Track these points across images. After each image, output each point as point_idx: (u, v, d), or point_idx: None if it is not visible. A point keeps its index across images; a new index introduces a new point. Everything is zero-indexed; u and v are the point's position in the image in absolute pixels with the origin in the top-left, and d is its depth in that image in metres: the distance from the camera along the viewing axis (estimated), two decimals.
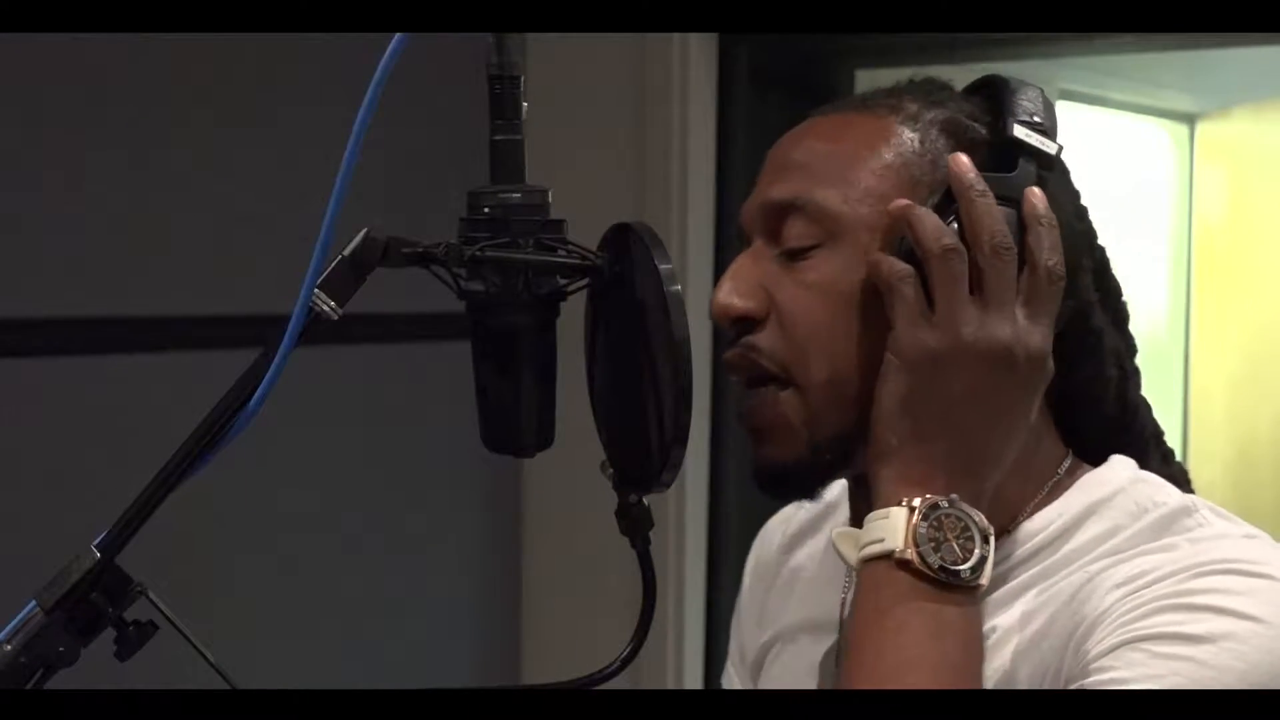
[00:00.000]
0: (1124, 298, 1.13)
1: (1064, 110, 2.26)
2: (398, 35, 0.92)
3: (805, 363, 1.05)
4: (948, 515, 0.99)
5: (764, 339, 1.06)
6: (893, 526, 0.99)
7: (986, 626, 1.03)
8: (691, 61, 2.56)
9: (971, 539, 0.98)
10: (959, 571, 0.98)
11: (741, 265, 1.08)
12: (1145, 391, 1.16)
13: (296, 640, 2.46)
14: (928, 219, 1.00)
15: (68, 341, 2.24)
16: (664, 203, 2.56)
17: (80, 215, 2.21)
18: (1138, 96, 3.79)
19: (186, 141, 2.31)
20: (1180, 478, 1.13)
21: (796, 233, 1.05)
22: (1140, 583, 0.97)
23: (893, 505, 1.00)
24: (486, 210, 0.97)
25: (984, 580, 0.99)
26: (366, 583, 2.57)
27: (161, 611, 0.96)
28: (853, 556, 1.02)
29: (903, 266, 1.00)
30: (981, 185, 1.01)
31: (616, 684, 1.01)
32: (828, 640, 1.15)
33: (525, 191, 0.97)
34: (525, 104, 0.97)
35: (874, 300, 1.02)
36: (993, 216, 1.00)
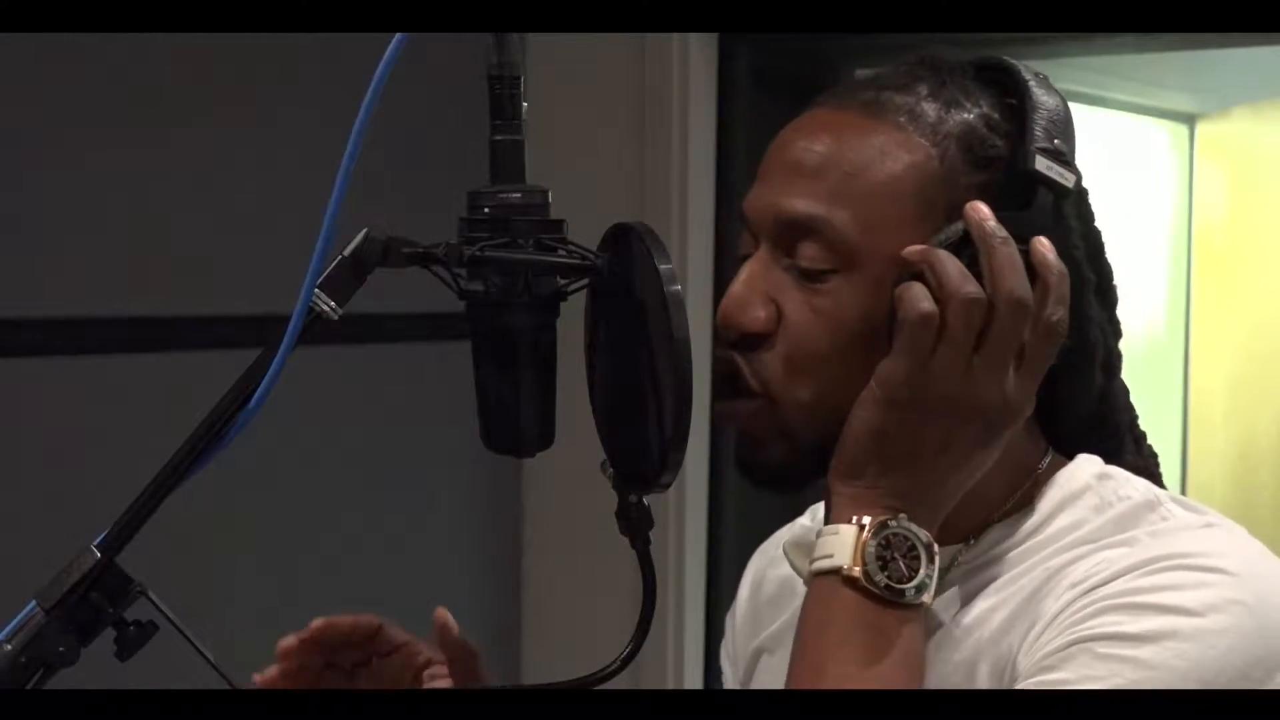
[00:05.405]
0: (1115, 281, 1.11)
1: None
2: (398, 35, 0.92)
3: (792, 386, 1.04)
4: (895, 534, 0.99)
5: (758, 358, 1.04)
6: (842, 543, 1.00)
7: (950, 621, 1.04)
8: (691, 61, 2.56)
9: (918, 558, 0.99)
10: (903, 591, 0.99)
11: (752, 275, 1.05)
12: (1144, 392, 1.15)
13: None
14: (950, 264, 0.99)
15: (68, 341, 2.23)
16: (664, 203, 2.56)
17: (80, 215, 2.21)
18: (1138, 96, 3.79)
19: (186, 141, 2.31)
20: (1151, 463, 1.14)
21: (811, 254, 1.03)
22: (1093, 580, 0.98)
23: (844, 523, 1.00)
24: (486, 210, 0.96)
25: (927, 599, 1.00)
26: (366, 582, 2.56)
27: (161, 611, 0.96)
28: (804, 568, 1.03)
29: (930, 309, 0.98)
30: (1003, 233, 0.99)
31: (616, 684, 1.01)
32: None
33: (525, 191, 0.97)
34: (525, 104, 0.97)
35: (877, 331, 1.01)
36: (1015, 268, 0.99)
